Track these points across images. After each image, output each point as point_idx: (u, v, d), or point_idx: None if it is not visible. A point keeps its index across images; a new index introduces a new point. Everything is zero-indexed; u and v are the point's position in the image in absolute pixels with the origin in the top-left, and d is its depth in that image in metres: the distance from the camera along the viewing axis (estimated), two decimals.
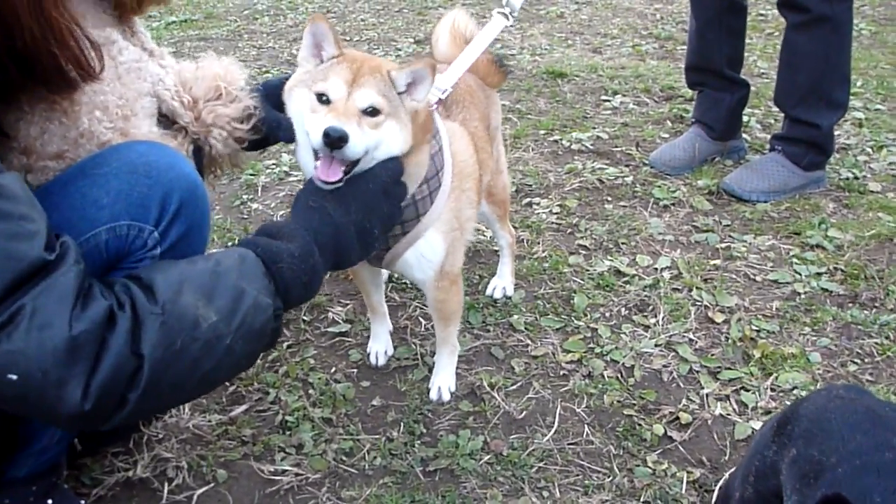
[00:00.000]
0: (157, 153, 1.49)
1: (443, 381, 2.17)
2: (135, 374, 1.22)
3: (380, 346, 2.32)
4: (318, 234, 1.52)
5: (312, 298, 1.59)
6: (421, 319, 2.48)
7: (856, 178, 3.29)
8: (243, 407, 2.12)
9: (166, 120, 1.70)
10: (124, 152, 1.47)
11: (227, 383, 2.19)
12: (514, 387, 2.20)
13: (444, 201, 1.86)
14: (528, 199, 3.16)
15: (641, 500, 1.85)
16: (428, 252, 1.91)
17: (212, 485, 1.88)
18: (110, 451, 1.95)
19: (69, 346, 1.15)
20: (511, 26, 2.10)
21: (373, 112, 1.60)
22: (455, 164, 1.91)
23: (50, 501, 1.64)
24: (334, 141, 1.52)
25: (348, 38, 5.58)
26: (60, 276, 1.18)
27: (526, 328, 2.42)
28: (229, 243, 2.93)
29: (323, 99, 1.61)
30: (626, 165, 3.46)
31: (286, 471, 1.91)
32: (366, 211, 1.60)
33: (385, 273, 2.38)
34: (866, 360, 2.26)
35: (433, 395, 2.15)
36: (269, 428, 2.05)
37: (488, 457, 1.96)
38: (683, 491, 1.87)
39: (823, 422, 1.25)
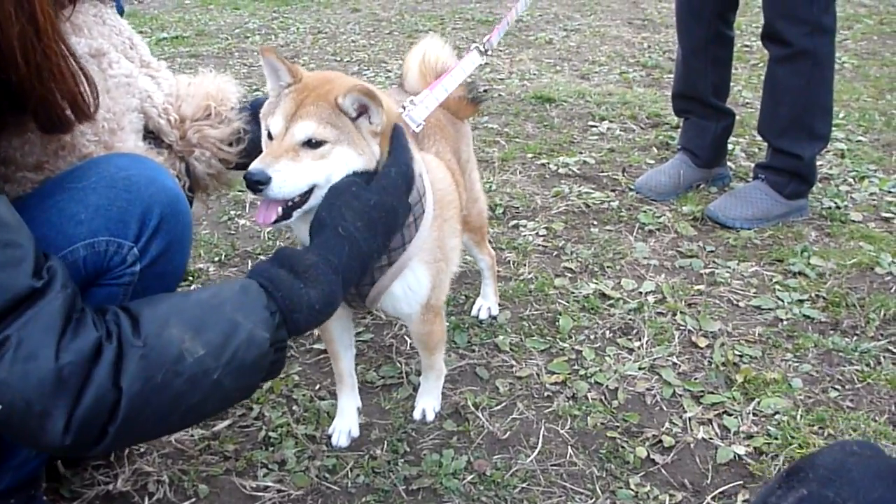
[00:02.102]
0: (137, 167, 1.47)
1: (427, 403, 2.16)
2: (114, 407, 1.19)
3: (344, 425, 2.07)
4: (346, 270, 1.44)
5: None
6: (406, 338, 2.48)
7: (838, 207, 3.34)
8: (226, 422, 2.11)
9: (154, 136, 1.70)
10: (104, 166, 1.45)
11: None
12: (499, 407, 2.20)
13: (427, 229, 1.79)
14: (514, 221, 3.19)
15: None
16: (414, 284, 1.84)
17: (193, 500, 1.86)
18: (91, 464, 1.93)
19: (55, 378, 1.14)
20: (484, 64, 2.09)
21: (315, 144, 1.55)
22: (435, 192, 1.84)
23: None
24: (252, 185, 1.49)
25: (339, 59, 5.63)
26: (46, 304, 1.16)
27: (511, 349, 2.43)
28: (216, 258, 2.93)
29: (269, 135, 1.59)
30: (613, 190, 3.49)
31: (268, 487, 1.90)
32: (388, 231, 1.55)
33: (353, 332, 2.24)
34: (847, 387, 2.28)
35: (417, 415, 2.15)
36: (252, 443, 2.04)
37: (471, 476, 1.96)
38: None
39: (843, 470, 1.23)
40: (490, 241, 2.99)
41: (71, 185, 1.42)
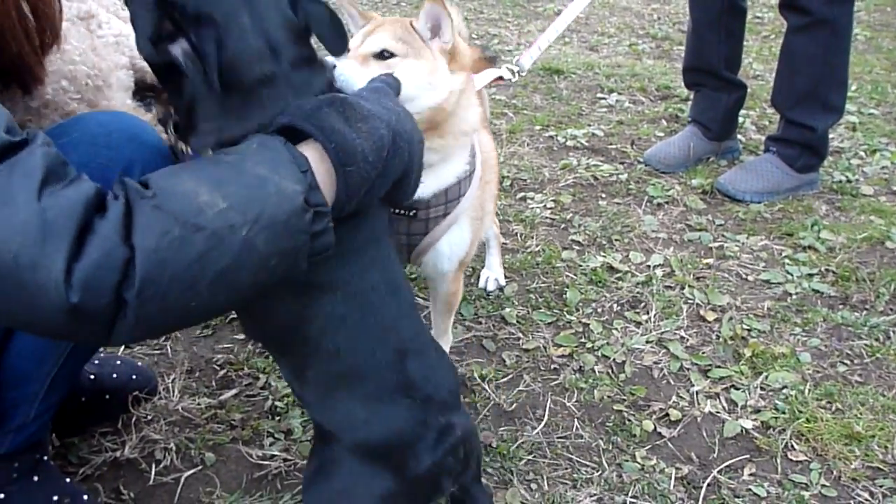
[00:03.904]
0: (119, 124, 1.42)
1: None
2: (126, 265, 1.00)
3: None
4: (396, 134, 1.24)
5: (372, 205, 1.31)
6: None
7: (848, 181, 3.30)
8: (233, 391, 2.11)
9: (149, 93, 1.67)
10: (85, 123, 1.41)
11: (217, 367, 2.18)
12: (505, 379, 2.19)
13: (476, 186, 1.83)
14: (522, 194, 3.16)
15: (630, 494, 1.85)
16: (458, 240, 1.85)
17: (199, 468, 1.86)
18: (98, 430, 1.94)
19: (38, 221, 0.97)
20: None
21: (386, 55, 1.61)
22: (481, 153, 1.89)
23: (35, 478, 1.62)
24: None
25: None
26: (26, 154, 1.01)
27: (518, 321, 2.42)
28: None
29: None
30: (621, 163, 3.46)
31: (274, 456, 1.90)
32: (411, 149, 1.31)
33: None
34: (856, 362, 2.27)
35: None
36: (258, 413, 2.04)
37: None
38: (671, 487, 1.87)
39: None
40: (497, 213, 2.97)
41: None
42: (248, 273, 1.09)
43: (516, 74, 2.10)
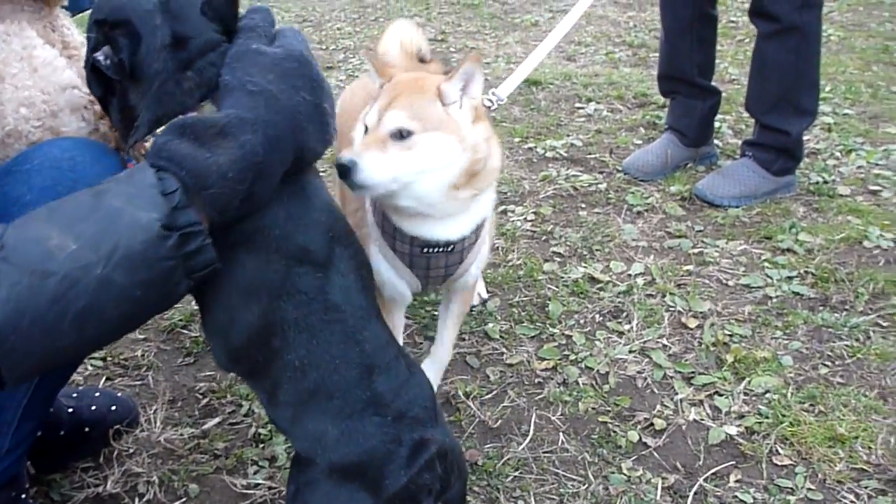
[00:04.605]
0: (81, 148, 1.44)
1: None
2: None
3: None
4: (268, 126, 1.23)
5: (262, 206, 1.30)
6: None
7: (825, 182, 3.33)
8: (216, 420, 2.10)
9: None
10: (47, 148, 1.42)
11: (200, 395, 2.17)
12: (490, 395, 2.19)
13: (493, 201, 1.88)
14: (502, 207, 3.17)
15: None
16: (483, 254, 1.93)
17: (183, 500, 1.85)
18: (80, 465, 1.92)
19: None
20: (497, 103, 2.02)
21: (404, 134, 1.58)
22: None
23: None
24: (342, 171, 1.55)
25: (324, 48, 5.58)
26: None
27: (501, 336, 2.42)
28: None
29: (366, 129, 1.64)
30: (600, 172, 3.47)
31: (259, 484, 1.89)
32: (310, 83, 1.32)
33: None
34: (837, 363, 2.28)
35: None
36: (242, 441, 2.03)
37: None
38: (658, 497, 1.87)
39: None
40: None
41: (15, 169, 1.39)
42: (113, 307, 1.12)
43: (494, 104, 2.07)
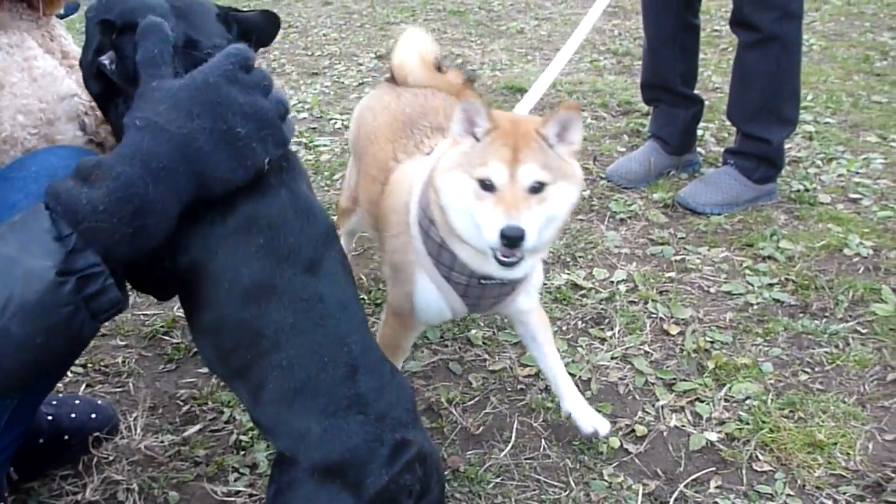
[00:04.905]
0: (77, 157, 1.39)
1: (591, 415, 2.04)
2: None
3: None
4: (151, 158, 1.21)
5: (160, 241, 1.26)
6: None
7: (806, 190, 3.36)
8: (197, 427, 2.09)
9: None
10: (44, 156, 1.42)
11: (181, 402, 2.16)
12: (472, 402, 2.19)
13: None
14: None
15: None
16: (536, 277, 1.92)
17: None
18: (58, 473, 1.91)
19: None
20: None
21: (538, 188, 1.57)
22: None
23: None
24: (514, 241, 1.52)
25: (310, 54, 5.58)
26: None
27: (484, 343, 2.42)
28: None
29: (487, 184, 1.57)
30: (584, 179, 3.48)
31: (240, 491, 1.88)
32: (214, 109, 1.28)
33: None
34: (816, 370, 2.30)
35: (589, 431, 2.02)
36: (223, 448, 2.02)
37: (446, 473, 1.95)
38: (639, 503, 1.88)
39: None
40: None
41: (11, 175, 1.38)
42: (12, 358, 1.13)
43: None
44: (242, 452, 1.99)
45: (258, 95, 1.33)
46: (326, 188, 3.38)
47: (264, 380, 1.36)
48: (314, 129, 4.11)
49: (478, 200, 1.59)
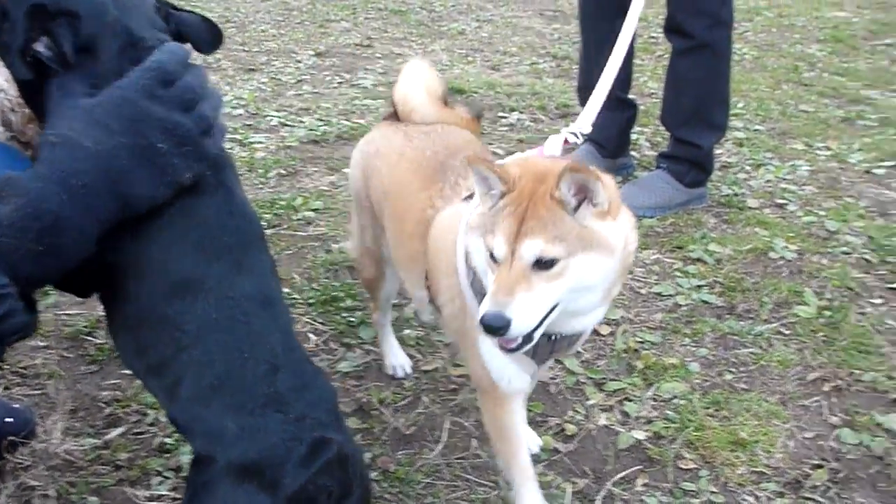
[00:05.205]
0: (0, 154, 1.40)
1: None
2: None
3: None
4: (70, 175, 1.19)
5: (74, 263, 1.23)
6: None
7: (735, 194, 3.45)
8: (120, 430, 2.02)
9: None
10: None
11: (103, 405, 2.09)
12: (404, 402, 2.18)
13: None
14: None
15: None
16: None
17: None
18: None
19: None
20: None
21: (547, 263, 1.36)
22: None
23: None
24: (491, 331, 1.36)
25: (247, 50, 5.48)
26: None
27: (417, 343, 2.42)
28: None
29: (492, 256, 1.41)
30: None
31: (163, 496, 1.83)
32: (132, 125, 1.26)
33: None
34: (741, 369, 2.36)
35: None
36: (146, 451, 1.96)
37: (375, 474, 1.93)
38: (568, 502, 1.90)
39: None
40: None
41: None
42: None
43: (580, 137, 1.92)
44: (166, 455, 1.94)
45: (177, 112, 1.31)
46: (260, 185, 3.32)
47: (182, 375, 1.33)
48: (249, 125, 4.04)
49: (490, 272, 1.43)
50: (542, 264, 1.36)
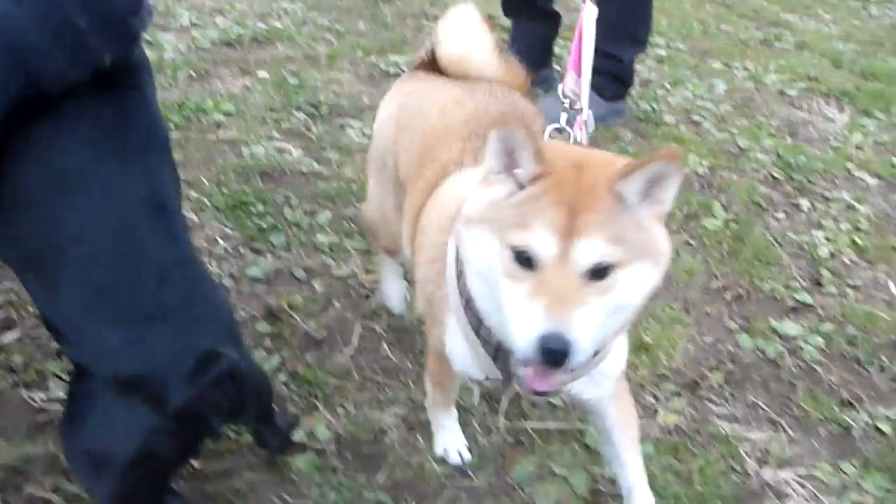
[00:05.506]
0: None
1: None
2: None
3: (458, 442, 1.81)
4: None
5: None
6: None
7: (653, 110, 3.48)
8: (15, 333, 1.94)
9: None
10: None
11: None
12: (315, 307, 2.16)
13: None
14: (340, 121, 3.09)
15: None
16: (618, 354, 1.41)
17: None
18: None
19: None
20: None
21: (602, 272, 1.09)
22: None
23: None
24: (556, 358, 1.05)
25: None
26: None
27: (330, 249, 2.38)
28: None
29: (525, 258, 1.10)
30: None
31: (61, 399, 1.77)
32: None
33: None
34: None
35: None
36: (42, 354, 1.89)
37: (283, 377, 1.92)
38: (476, 401, 1.93)
39: None
40: (312, 141, 2.90)
41: None
42: None
43: (590, 129, 1.64)
44: (64, 358, 1.87)
45: None
46: (168, 87, 3.15)
47: (61, 278, 1.26)
48: (158, 24, 3.80)
49: (510, 280, 1.12)
50: (596, 273, 1.09)
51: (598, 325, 1.10)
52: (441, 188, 1.51)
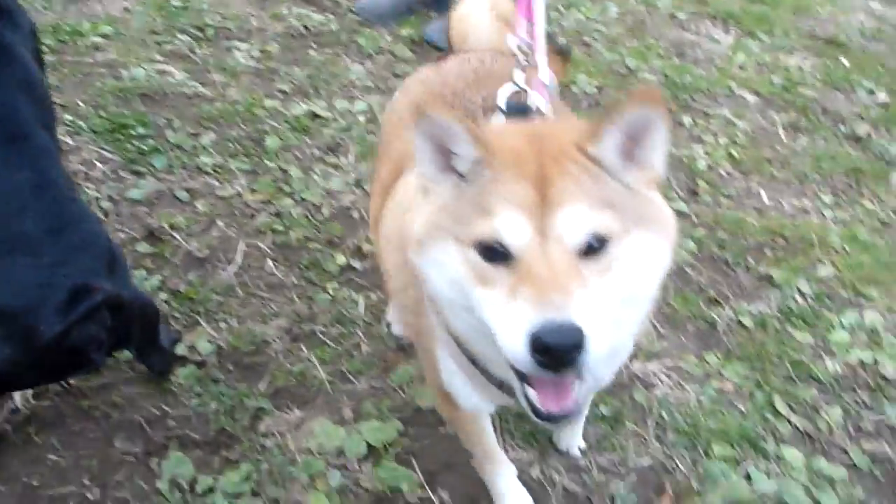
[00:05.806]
0: None
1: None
2: None
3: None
4: None
5: None
6: None
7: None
8: None
9: None
10: None
11: None
12: (198, 227, 2.14)
13: None
14: (227, 43, 3.00)
15: (319, 323, 1.92)
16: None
17: None
18: None
19: None
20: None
21: (596, 246, 0.90)
22: None
23: None
24: (564, 354, 0.84)
25: None
26: None
27: (214, 170, 2.35)
28: None
29: (498, 253, 0.91)
30: (333, 13, 3.38)
31: None
32: None
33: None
34: None
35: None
36: None
37: (165, 295, 1.91)
38: (361, 312, 1.97)
39: None
40: (196, 63, 2.82)
41: None
42: None
43: (551, 86, 1.38)
44: None
45: None
46: (42, 10, 2.99)
47: None
48: None
49: (483, 287, 0.92)
50: (590, 248, 0.90)
51: (607, 313, 0.89)
52: (396, 190, 1.32)
